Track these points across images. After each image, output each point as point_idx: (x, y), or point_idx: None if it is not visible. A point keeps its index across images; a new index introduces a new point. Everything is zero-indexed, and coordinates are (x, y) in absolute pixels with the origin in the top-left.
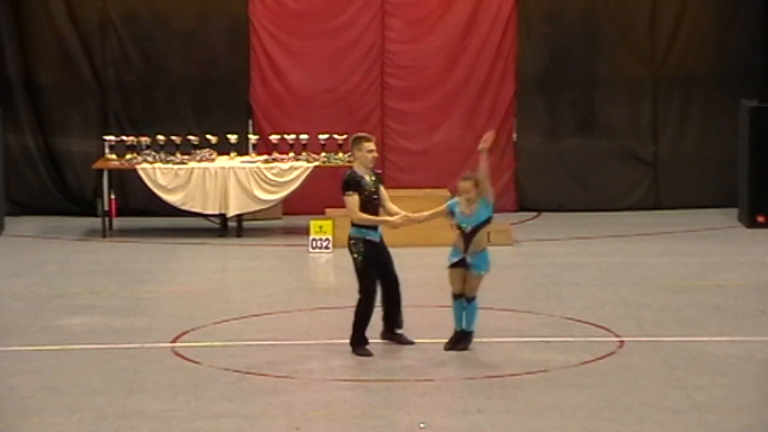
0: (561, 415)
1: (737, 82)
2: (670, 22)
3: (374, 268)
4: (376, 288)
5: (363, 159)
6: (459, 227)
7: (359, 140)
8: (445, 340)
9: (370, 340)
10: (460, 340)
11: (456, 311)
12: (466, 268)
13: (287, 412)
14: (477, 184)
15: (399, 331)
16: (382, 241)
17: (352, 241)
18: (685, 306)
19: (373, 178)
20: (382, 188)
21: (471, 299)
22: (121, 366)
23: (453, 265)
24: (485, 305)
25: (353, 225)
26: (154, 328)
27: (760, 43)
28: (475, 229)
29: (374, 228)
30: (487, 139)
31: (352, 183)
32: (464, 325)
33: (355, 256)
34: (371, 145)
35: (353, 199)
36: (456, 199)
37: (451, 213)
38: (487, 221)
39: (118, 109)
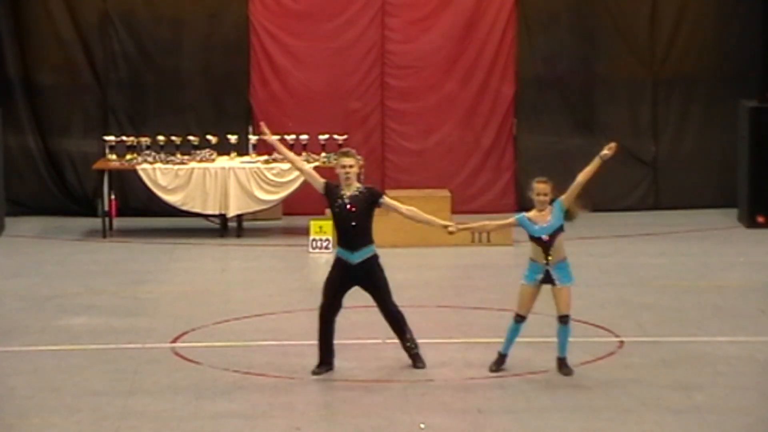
0: (561, 415)
1: (737, 82)
2: (670, 22)
3: None
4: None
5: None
6: (535, 239)
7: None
8: (446, 341)
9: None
10: (504, 361)
11: (510, 334)
12: (550, 283)
13: (287, 412)
14: (553, 188)
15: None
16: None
17: (379, 259)
18: (685, 306)
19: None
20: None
21: (565, 319)
22: (121, 366)
23: (532, 282)
24: (485, 305)
25: (372, 242)
26: (154, 328)
27: (760, 43)
28: (553, 236)
29: None
30: (612, 147)
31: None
32: (559, 351)
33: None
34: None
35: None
36: (523, 213)
37: (521, 225)
38: (562, 228)
39: (118, 109)
